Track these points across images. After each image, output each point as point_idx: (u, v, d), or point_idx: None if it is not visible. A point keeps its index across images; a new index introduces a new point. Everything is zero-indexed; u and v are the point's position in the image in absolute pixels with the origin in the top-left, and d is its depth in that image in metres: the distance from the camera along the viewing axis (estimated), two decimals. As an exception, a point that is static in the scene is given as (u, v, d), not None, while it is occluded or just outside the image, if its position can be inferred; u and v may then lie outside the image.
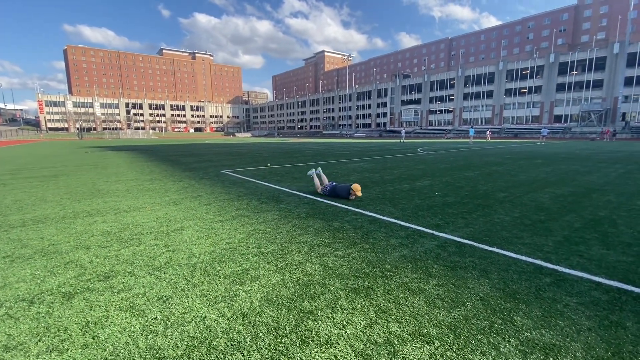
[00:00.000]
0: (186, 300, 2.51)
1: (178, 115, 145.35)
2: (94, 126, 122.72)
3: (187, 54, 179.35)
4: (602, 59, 57.85)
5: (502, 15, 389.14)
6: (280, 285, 2.74)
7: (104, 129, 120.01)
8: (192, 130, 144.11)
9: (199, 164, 13.22)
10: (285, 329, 2.14)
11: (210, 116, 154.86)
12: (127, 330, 2.14)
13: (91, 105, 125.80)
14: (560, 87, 63.12)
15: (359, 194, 6.00)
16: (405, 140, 44.74)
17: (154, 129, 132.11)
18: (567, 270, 2.98)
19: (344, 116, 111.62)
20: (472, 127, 38.47)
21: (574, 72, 61.12)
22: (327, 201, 5.96)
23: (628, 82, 55.12)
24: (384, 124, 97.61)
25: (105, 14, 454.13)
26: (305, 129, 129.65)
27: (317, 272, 2.99)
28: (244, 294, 2.61)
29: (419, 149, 23.37)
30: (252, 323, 2.21)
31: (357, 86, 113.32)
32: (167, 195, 6.67)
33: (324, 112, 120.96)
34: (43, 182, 8.69)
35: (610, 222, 4.53)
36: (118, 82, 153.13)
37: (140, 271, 3.05)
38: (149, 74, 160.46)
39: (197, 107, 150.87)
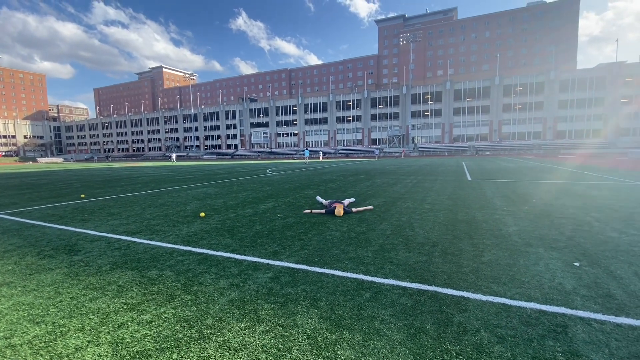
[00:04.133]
0: None
1: None
2: None
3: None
4: (397, 97, 77.25)
5: (319, 55, 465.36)
6: (20, 406, 1.72)
7: None
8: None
9: (-55, 206, 8.78)
10: None
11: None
12: None
13: None
14: (374, 117, 79.90)
15: (340, 212, 6.40)
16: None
17: None
18: (382, 280, 3.25)
19: (191, 137, 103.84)
20: (307, 149, 43.29)
21: (381, 106, 78.88)
22: (147, 241, 4.84)
23: (413, 114, 75.66)
24: (236, 146, 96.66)
25: None
26: (143, 150, 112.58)
27: (101, 359, 2.10)
28: None
29: (268, 170, 23.91)
30: None
31: (203, 106, 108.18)
32: None
33: (166, 132, 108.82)
34: None
35: (409, 226, 5.53)
36: None
37: None
38: None
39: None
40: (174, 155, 49.80)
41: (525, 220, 5.83)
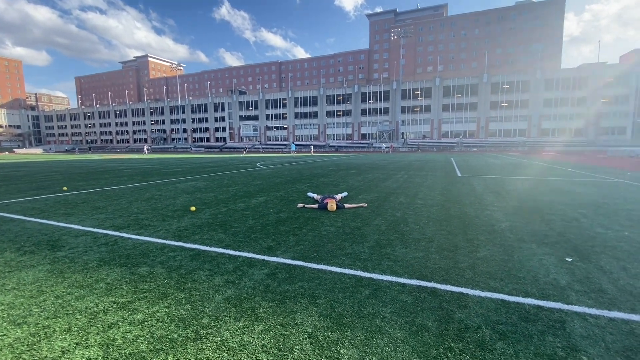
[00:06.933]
0: None
1: None
2: None
3: None
4: (387, 92, 77.43)
5: (306, 48, 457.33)
6: (4, 415, 1.60)
7: None
8: None
9: None
10: None
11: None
12: None
13: None
14: (364, 112, 79.97)
15: (333, 207, 6.30)
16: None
17: None
18: (380, 277, 3.22)
19: (178, 129, 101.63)
20: (293, 143, 43.40)
21: (371, 101, 78.95)
22: (135, 236, 4.67)
23: (403, 110, 76.08)
24: (224, 139, 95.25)
25: None
26: (128, 142, 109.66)
27: (90, 361, 1.99)
28: None
29: (258, 164, 23.64)
30: None
31: (190, 98, 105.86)
32: None
33: (152, 123, 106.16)
34: None
35: (404, 221, 5.52)
36: None
37: None
38: None
39: None
40: (145, 147, 51.55)
41: (516, 216, 5.91)
